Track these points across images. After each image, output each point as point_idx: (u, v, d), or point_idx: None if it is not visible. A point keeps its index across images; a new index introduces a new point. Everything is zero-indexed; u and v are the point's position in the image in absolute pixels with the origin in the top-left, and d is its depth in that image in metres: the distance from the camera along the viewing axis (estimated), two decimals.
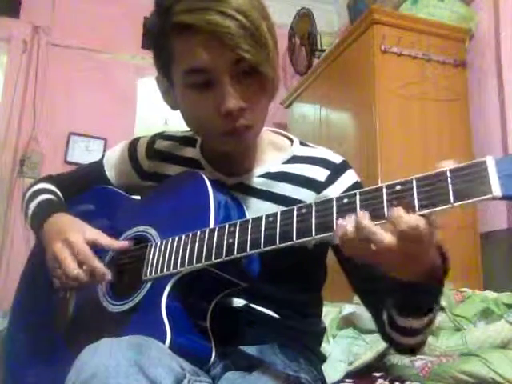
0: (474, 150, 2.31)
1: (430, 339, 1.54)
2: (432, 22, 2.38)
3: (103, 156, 1.07)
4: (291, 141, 0.95)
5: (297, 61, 3.48)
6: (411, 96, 2.27)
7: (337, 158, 0.91)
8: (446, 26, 2.39)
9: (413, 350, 0.79)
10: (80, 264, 0.81)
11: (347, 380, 1.52)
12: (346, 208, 0.61)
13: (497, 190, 0.51)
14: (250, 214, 0.83)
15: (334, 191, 0.87)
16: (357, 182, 0.89)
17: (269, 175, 0.90)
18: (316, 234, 0.62)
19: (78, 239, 0.82)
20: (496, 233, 2.17)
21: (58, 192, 1.04)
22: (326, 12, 3.77)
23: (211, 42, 0.72)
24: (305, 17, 3.37)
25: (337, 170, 0.89)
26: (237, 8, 0.72)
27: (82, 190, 1.03)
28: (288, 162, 0.92)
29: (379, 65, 2.27)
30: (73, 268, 0.80)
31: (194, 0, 0.73)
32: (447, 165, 0.55)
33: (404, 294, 0.67)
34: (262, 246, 0.67)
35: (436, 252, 0.63)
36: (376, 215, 0.58)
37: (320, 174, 0.89)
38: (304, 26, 3.37)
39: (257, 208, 0.86)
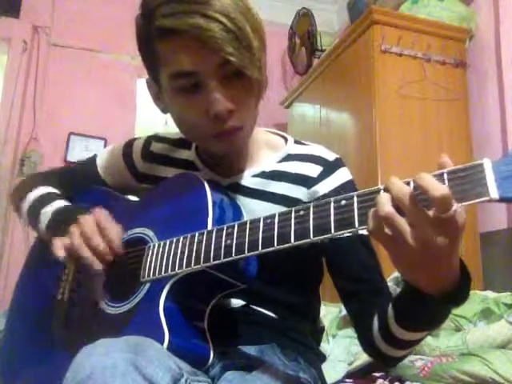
0: (474, 149, 2.31)
1: (430, 339, 1.54)
2: (432, 22, 2.38)
3: (95, 156, 1.05)
4: (286, 139, 0.95)
5: (297, 61, 3.48)
6: (411, 96, 2.27)
7: (330, 156, 0.91)
8: (446, 26, 2.39)
9: (392, 362, 0.79)
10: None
11: (347, 380, 1.52)
12: (344, 210, 0.60)
13: (494, 192, 0.51)
14: (245, 214, 0.83)
15: (324, 187, 0.87)
16: (350, 181, 0.89)
17: (263, 174, 0.90)
18: (314, 236, 0.62)
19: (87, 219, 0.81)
20: (496, 233, 2.17)
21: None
22: (326, 12, 3.77)
23: (195, 45, 0.72)
24: (305, 17, 3.37)
25: (330, 167, 0.89)
26: (220, 10, 0.71)
27: (76, 189, 1.02)
28: (282, 160, 0.92)
29: (379, 65, 2.27)
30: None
31: (177, 3, 0.72)
32: (447, 161, 0.54)
33: (412, 306, 0.64)
34: (260, 248, 0.67)
35: (457, 273, 0.59)
36: None
37: (313, 170, 0.89)
38: (304, 26, 3.36)
39: (252, 208, 0.86)
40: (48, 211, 0.93)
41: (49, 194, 1.00)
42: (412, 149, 2.21)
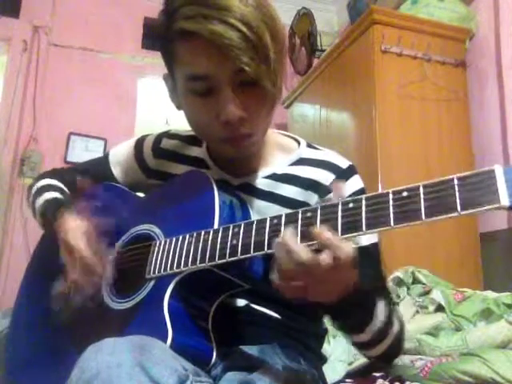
0: (474, 149, 2.31)
1: (431, 339, 1.54)
2: (432, 22, 2.38)
3: (108, 153, 1.07)
4: (298, 142, 0.95)
5: (297, 61, 3.48)
6: (411, 96, 2.27)
7: (344, 163, 0.91)
8: (446, 26, 2.40)
9: (384, 358, 0.83)
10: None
11: (347, 380, 1.52)
12: (352, 213, 0.60)
13: (505, 199, 0.50)
14: (253, 215, 0.83)
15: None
16: (361, 189, 0.88)
17: (274, 177, 0.90)
18: None
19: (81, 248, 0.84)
20: (496, 233, 2.17)
21: (65, 188, 1.04)
22: (326, 12, 3.78)
23: (212, 50, 0.72)
24: (305, 17, 3.37)
25: (343, 175, 0.88)
26: (241, 18, 0.71)
27: (88, 186, 1.03)
28: (294, 164, 0.91)
29: (379, 65, 2.27)
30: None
31: (199, 6, 0.72)
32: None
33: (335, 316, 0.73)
34: (265, 249, 0.67)
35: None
36: (382, 222, 0.57)
37: (325, 177, 0.88)
38: (304, 26, 3.36)
39: (261, 209, 0.86)
40: (39, 202, 0.98)
41: (49, 185, 1.02)
42: (412, 149, 2.21)
